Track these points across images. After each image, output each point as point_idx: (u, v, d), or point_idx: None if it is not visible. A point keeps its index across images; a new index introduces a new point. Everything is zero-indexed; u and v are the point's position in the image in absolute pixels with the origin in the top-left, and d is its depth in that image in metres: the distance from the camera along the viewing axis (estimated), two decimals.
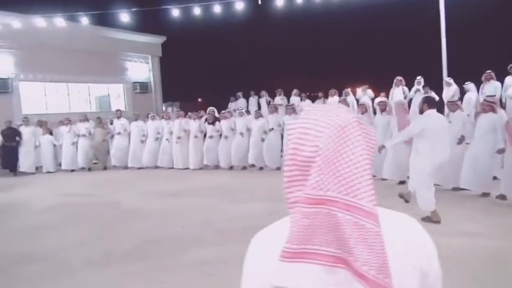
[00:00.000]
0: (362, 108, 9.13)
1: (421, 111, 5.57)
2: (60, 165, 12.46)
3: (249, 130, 10.89)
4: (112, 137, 12.45)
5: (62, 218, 6.53)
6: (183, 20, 18.16)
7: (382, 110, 8.48)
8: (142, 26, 18.79)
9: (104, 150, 12.39)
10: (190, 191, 8.28)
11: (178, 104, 18.31)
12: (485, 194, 6.63)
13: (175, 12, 15.75)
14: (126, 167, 12.10)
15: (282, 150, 10.44)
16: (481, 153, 6.65)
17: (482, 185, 6.67)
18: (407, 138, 5.67)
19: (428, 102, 5.54)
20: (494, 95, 7.72)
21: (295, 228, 0.80)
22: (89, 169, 12.21)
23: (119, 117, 12.55)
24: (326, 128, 0.82)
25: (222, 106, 12.30)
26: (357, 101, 11.22)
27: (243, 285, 0.94)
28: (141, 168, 11.98)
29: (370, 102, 10.45)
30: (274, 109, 11.00)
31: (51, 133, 12.45)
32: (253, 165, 10.76)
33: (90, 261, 4.55)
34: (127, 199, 7.66)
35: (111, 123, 12.74)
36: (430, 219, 5.28)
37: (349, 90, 12.07)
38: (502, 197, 6.27)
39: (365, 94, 11.63)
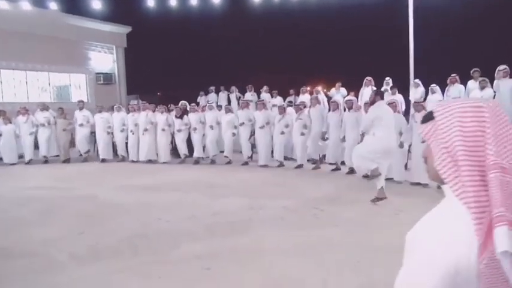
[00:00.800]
0: (334, 105, 9.42)
1: (373, 102, 6.32)
2: (21, 156, 11.88)
3: (218, 124, 10.91)
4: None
5: (38, 212, 6.26)
6: (150, 10, 17.79)
7: (350, 108, 8.86)
8: (108, 14, 18.23)
9: (66, 141, 11.89)
10: (166, 185, 8.17)
11: (137, 96, 17.93)
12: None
13: (142, 1, 15.38)
14: (85, 160, 11.74)
15: (254, 147, 10.55)
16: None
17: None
18: (365, 126, 6.34)
19: (380, 94, 6.47)
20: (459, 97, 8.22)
21: (503, 195, 0.85)
22: (46, 161, 11.67)
23: (81, 109, 12.11)
24: (481, 105, 0.91)
25: (186, 100, 12.15)
26: (329, 98, 11.47)
27: (424, 268, 0.97)
28: (106, 160, 11.66)
29: (342, 100, 10.72)
30: (245, 104, 11.06)
31: (10, 123, 11.81)
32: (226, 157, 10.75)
33: (76, 256, 4.41)
34: (102, 193, 7.45)
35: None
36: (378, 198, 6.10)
37: (319, 88, 12.33)
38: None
39: (338, 92, 11.93)
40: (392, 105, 7.91)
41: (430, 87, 10.10)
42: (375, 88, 11.51)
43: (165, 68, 22.40)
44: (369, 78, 11.60)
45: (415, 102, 8.07)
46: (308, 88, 12.67)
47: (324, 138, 9.46)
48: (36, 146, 11.92)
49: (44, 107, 12.16)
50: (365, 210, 5.94)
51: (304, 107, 10.00)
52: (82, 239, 4.99)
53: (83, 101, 12.69)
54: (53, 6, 12.45)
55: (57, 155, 12.03)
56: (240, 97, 14.98)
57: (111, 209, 6.39)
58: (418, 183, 7.52)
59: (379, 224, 5.32)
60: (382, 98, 6.45)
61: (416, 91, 10.35)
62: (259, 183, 8.26)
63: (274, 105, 11.87)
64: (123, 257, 4.38)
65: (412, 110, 8.10)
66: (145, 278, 3.82)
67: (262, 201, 6.49)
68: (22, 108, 11.95)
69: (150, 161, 11.24)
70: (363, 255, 4.23)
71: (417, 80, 10.74)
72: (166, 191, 7.64)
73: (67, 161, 11.72)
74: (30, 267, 4.17)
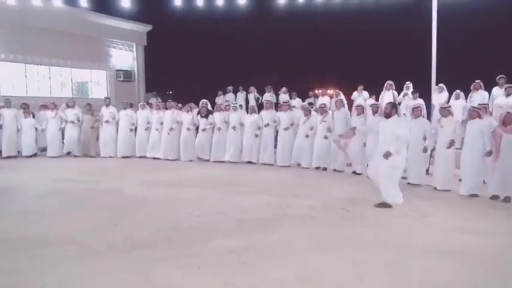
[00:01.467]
0: (359, 109, 9.38)
1: (389, 115, 6.22)
2: (41, 150, 12.12)
3: (242, 125, 10.96)
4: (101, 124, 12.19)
5: (67, 203, 6.42)
6: (170, 10, 17.96)
7: (375, 112, 8.82)
8: (129, 13, 18.47)
9: (93, 137, 12.12)
10: (190, 182, 8.29)
11: (156, 94, 18.05)
12: (474, 195, 7.06)
13: (163, 0, 15.49)
14: (111, 156, 11.91)
15: (275, 147, 10.60)
16: (471, 157, 7.09)
17: (472, 186, 7.10)
18: (398, 146, 6.09)
19: (396, 108, 6.37)
20: (486, 103, 8.16)
21: None
22: (75, 156, 11.91)
23: (107, 105, 12.31)
24: None
25: (197, 99, 12.29)
26: (350, 101, 11.50)
27: None
28: (127, 157, 11.83)
29: (364, 103, 10.73)
30: (269, 105, 11.10)
31: (33, 116, 12.08)
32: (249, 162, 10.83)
33: (113, 246, 4.53)
34: (128, 187, 7.59)
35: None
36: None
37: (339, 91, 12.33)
38: (495, 197, 6.74)
39: (360, 95, 11.94)
40: (417, 109, 7.97)
41: (454, 93, 10.08)
42: (395, 92, 11.55)
43: (181, 66, 22.58)
44: (390, 82, 11.60)
45: (441, 107, 8.01)
46: (327, 91, 12.69)
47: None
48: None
49: (73, 104, 12.37)
50: (391, 213, 5.98)
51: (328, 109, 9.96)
52: (116, 230, 5.12)
53: (109, 98, 12.91)
54: (83, 3, 12.67)
55: (69, 152, 12.14)
56: (258, 98, 15.10)
57: (139, 202, 6.52)
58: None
59: (407, 225, 5.37)
60: (397, 112, 6.36)
61: (440, 96, 10.33)
62: (282, 182, 8.34)
63: (293, 107, 11.91)
64: (159, 248, 4.49)
65: (437, 115, 8.09)
66: (185, 269, 3.91)
67: (287, 200, 6.57)
68: (51, 103, 12.18)
69: (169, 159, 11.36)
70: (394, 255, 4.29)
71: (442, 85, 10.70)
72: (190, 187, 7.75)
73: (90, 156, 11.93)
74: (68, 254, 4.30)
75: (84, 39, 16.59)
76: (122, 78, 18.33)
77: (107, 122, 11.94)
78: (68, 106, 12.27)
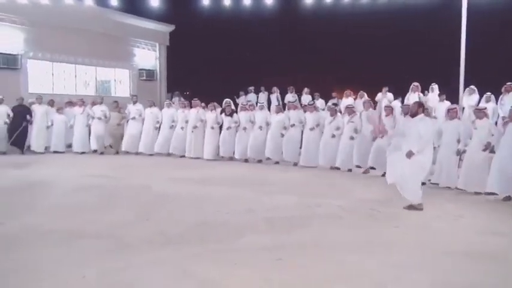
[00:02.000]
0: (388, 110, 9.25)
1: (415, 114, 6.11)
2: (69, 146, 12.35)
3: (268, 124, 10.96)
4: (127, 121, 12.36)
5: (99, 198, 6.53)
6: (193, 10, 18.08)
7: (405, 114, 8.67)
8: (152, 12, 18.69)
9: (119, 134, 12.28)
10: (216, 180, 8.33)
11: (179, 93, 18.18)
12: (508, 198, 6.89)
13: (187, 1, 15.58)
14: (137, 153, 12.05)
15: (300, 147, 10.56)
16: (507, 159, 6.91)
17: (507, 189, 6.92)
18: (421, 145, 5.99)
19: (422, 107, 6.28)
20: None
21: None
22: (101, 153, 12.10)
23: (134, 103, 12.48)
24: None
25: (217, 100, 12.34)
26: (374, 103, 11.36)
27: None
28: (152, 154, 11.95)
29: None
30: (294, 106, 11.09)
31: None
32: (268, 158, 10.84)
33: (148, 240, 4.59)
34: (156, 184, 7.67)
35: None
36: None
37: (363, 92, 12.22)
38: None
39: (385, 97, 11.82)
40: (453, 110, 7.82)
41: (484, 95, 9.89)
42: (421, 94, 11.39)
43: (202, 67, 22.69)
44: (416, 83, 11.43)
45: (476, 109, 7.88)
46: (352, 92, 12.60)
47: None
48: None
49: (100, 100, 12.58)
50: (422, 214, 5.89)
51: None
52: (149, 225, 5.18)
53: (136, 95, 13.10)
54: (113, 2, 12.91)
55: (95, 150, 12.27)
56: (278, 98, 15.06)
57: (168, 199, 6.57)
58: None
59: (440, 228, 5.29)
60: (424, 111, 6.25)
61: (470, 98, 10.14)
62: (308, 182, 8.31)
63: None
64: (192, 244, 4.52)
65: (471, 117, 7.92)
66: (220, 264, 3.93)
67: (315, 200, 6.54)
68: (79, 100, 12.45)
69: (193, 157, 11.43)
70: (429, 256, 4.23)
71: (473, 87, 10.50)
72: (216, 185, 7.77)
73: (117, 153, 12.11)
74: (106, 247, 4.36)
75: (109, 38, 16.82)
76: (144, 77, 18.54)
77: (134, 118, 12.09)
78: (94, 104, 12.46)
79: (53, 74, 15.71)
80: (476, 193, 7.31)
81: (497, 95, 9.87)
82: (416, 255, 4.25)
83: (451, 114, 7.85)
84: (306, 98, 13.51)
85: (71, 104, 12.74)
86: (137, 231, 4.88)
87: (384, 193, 7.29)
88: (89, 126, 12.16)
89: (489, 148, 7.25)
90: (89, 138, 12.19)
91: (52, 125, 11.93)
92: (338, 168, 9.70)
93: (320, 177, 8.85)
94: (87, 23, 15.58)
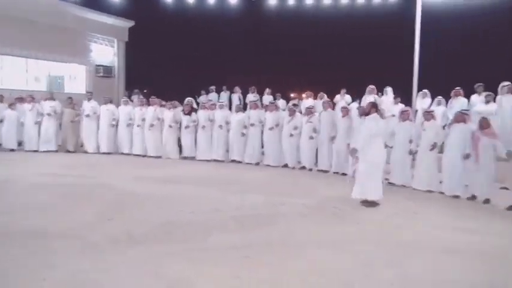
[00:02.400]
0: (344, 111, 9.56)
1: (368, 114, 6.48)
2: (20, 144, 11.76)
3: (227, 123, 10.99)
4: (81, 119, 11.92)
5: (59, 197, 6.30)
6: (154, 6, 17.80)
7: (361, 115, 9.02)
8: (111, 7, 18.21)
9: (73, 132, 11.83)
10: (178, 179, 8.25)
11: (138, 91, 17.80)
12: (456, 196, 7.35)
13: None
14: (93, 151, 11.68)
15: (262, 147, 10.67)
16: (453, 160, 7.39)
17: (453, 187, 7.39)
18: (363, 142, 6.34)
19: (375, 107, 6.62)
20: (468, 110, 8.49)
21: None
22: (52, 151, 11.61)
23: (89, 99, 12.08)
24: None
25: (177, 98, 12.26)
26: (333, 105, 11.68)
27: None
28: (110, 153, 11.64)
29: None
30: (256, 105, 11.18)
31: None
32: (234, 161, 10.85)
33: (114, 240, 4.50)
34: (118, 183, 7.50)
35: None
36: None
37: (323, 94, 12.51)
38: (473, 197, 7.08)
39: (343, 99, 12.17)
40: (405, 112, 8.23)
41: (436, 99, 10.44)
42: (377, 96, 11.83)
43: (162, 64, 22.28)
44: (372, 86, 11.82)
45: (425, 111, 8.32)
46: (312, 93, 12.87)
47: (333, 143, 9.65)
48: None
49: (50, 96, 12.06)
50: (382, 211, 6.16)
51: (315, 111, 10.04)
52: (114, 224, 5.08)
53: (91, 92, 12.70)
54: None
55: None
56: (240, 98, 15.12)
57: (131, 198, 6.46)
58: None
59: (398, 223, 5.55)
60: (377, 111, 6.59)
61: (423, 101, 10.67)
62: (271, 181, 8.41)
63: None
64: (160, 243, 4.49)
65: (420, 119, 8.36)
66: (190, 262, 3.94)
67: (280, 198, 6.65)
68: (28, 95, 11.87)
69: (151, 156, 11.27)
70: (390, 251, 4.44)
71: (426, 91, 11.04)
72: (180, 184, 7.72)
73: (72, 151, 11.67)
74: (70, 248, 4.25)
75: (64, 32, 16.15)
76: (101, 74, 17.97)
77: (88, 116, 11.71)
78: (47, 99, 11.94)
79: (1, 68, 14.88)
80: (429, 191, 7.73)
81: (447, 98, 10.46)
82: (382, 252, 4.44)
83: (404, 116, 8.26)
84: (268, 98, 13.65)
85: (21, 100, 12.12)
86: (102, 231, 4.77)
87: (346, 191, 7.53)
88: (38, 123, 11.63)
89: (435, 148, 7.70)
90: (39, 136, 11.65)
91: (2, 121, 11.32)
92: (303, 167, 9.93)
93: (284, 176, 8.99)
94: (40, 15, 14.90)
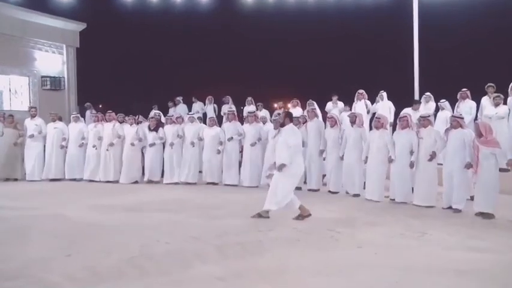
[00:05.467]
0: (331, 120, 9.78)
1: (283, 125, 6.98)
2: None
3: (200, 139, 11.06)
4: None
5: (6, 232, 6.26)
6: (108, 6, 17.88)
7: (352, 123, 9.33)
8: (58, 8, 18.21)
9: (17, 156, 11.70)
10: (145, 205, 8.29)
11: (90, 105, 17.74)
12: (457, 210, 7.64)
13: None
14: (39, 179, 11.60)
15: (240, 165, 10.77)
16: (452, 169, 7.71)
17: (454, 201, 7.70)
18: (290, 156, 6.87)
19: (290, 116, 7.13)
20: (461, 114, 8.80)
21: None
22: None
23: (33, 116, 12.01)
24: None
25: (138, 112, 12.38)
26: (324, 113, 11.96)
27: None
28: (59, 179, 11.56)
29: (339, 115, 11.23)
30: (232, 116, 11.30)
31: None
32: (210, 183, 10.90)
33: (74, 278, 4.48)
34: (72, 213, 7.48)
35: None
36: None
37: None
38: (481, 213, 7.32)
39: (335, 106, 12.45)
40: (403, 119, 8.50)
41: (439, 103, 10.79)
42: (368, 102, 12.19)
43: (119, 73, 22.33)
44: (361, 91, 12.18)
45: (421, 116, 8.59)
46: (298, 101, 13.11)
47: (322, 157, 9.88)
48: None
49: None
50: (386, 232, 6.32)
51: (305, 121, 10.28)
52: (73, 260, 5.05)
53: (35, 107, 12.63)
54: None
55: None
56: (215, 109, 15.24)
57: (90, 229, 6.45)
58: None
59: (405, 245, 5.71)
60: (292, 121, 7.10)
61: (426, 106, 11.01)
62: (253, 204, 8.43)
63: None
64: (129, 279, 4.49)
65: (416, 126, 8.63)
66: None
67: (266, 223, 6.75)
68: None
69: (109, 181, 11.30)
70: (400, 276, 4.57)
71: (428, 94, 11.38)
72: (148, 211, 7.75)
73: (15, 179, 11.54)
74: None
75: (1, 38, 16.04)
76: (48, 87, 17.80)
77: (32, 136, 11.60)
78: None
79: None
80: (430, 206, 7.98)
81: (453, 102, 10.82)
82: (386, 276, 4.55)
83: (402, 123, 8.50)
84: (249, 109, 13.75)
85: None
86: (59, 268, 4.74)
87: (341, 212, 7.75)
88: None
89: (434, 157, 7.97)
90: None
91: None
92: None
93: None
94: None
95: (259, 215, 7.01)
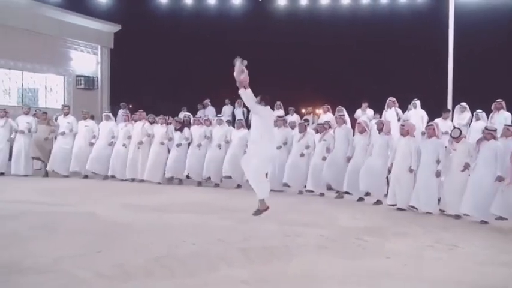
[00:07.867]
0: (359, 126, 9.72)
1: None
2: None
3: (227, 142, 11.10)
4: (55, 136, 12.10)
5: (35, 227, 6.37)
6: (143, 8, 18.16)
7: (379, 130, 9.28)
8: (94, 9, 18.65)
9: (47, 150, 11.96)
10: (173, 206, 8.35)
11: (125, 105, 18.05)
12: (484, 222, 7.47)
13: None
14: (66, 175, 11.85)
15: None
16: (484, 181, 7.53)
17: (482, 212, 7.50)
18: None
19: (265, 100, 6.83)
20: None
21: None
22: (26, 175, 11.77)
23: (66, 114, 12.26)
24: None
25: (168, 113, 12.48)
26: (353, 120, 11.86)
27: None
28: (86, 176, 11.77)
29: (368, 122, 11.09)
30: (282, 122, 11.26)
31: None
32: (229, 177, 10.91)
33: (103, 275, 4.55)
34: (101, 211, 7.59)
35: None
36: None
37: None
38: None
39: (364, 113, 12.35)
40: (430, 128, 8.38)
41: (475, 113, 10.58)
42: (399, 110, 12.02)
43: (152, 74, 22.64)
44: (392, 99, 12.01)
45: (454, 127, 8.46)
46: (329, 106, 13.06)
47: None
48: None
49: (28, 110, 12.30)
50: (415, 243, 6.21)
51: (329, 127, 10.24)
52: (102, 257, 5.13)
53: (68, 106, 12.94)
54: None
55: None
56: (244, 113, 15.31)
57: (119, 228, 6.54)
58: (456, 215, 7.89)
59: (436, 257, 5.59)
60: (267, 104, 6.81)
61: (461, 116, 10.82)
62: (281, 208, 8.43)
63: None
64: (157, 278, 4.54)
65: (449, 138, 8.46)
66: None
67: (294, 228, 6.72)
68: (1, 110, 12.10)
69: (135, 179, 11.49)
70: None
71: (464, 104, 11.19)
72: (175, 212, 7.82)
73: (46, 175, 11.82)
74: (48, 284, 4.30)
75: (40, 38, 16.55)
76: (82, 86, 18.29)
77: (63, 133, 11.84)
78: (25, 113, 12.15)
79: None
80: (457, 216, 7.87)
81: (488, 112, 10.60)
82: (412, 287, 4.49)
83: (429, 132, 8.38)
84: (279, 113, 13.73)
85: None
86: (89, 265, 4.82)
87: (369, 220, 7.64)
88: (10, 141, 11.82)
89: (467, 168, 7.80)
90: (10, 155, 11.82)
91: None
92: (310, 191, 10.01)
93: (293, 203, 9.06)
94: (11, 18, 15.26)
95: (259, 212, 6.76)
